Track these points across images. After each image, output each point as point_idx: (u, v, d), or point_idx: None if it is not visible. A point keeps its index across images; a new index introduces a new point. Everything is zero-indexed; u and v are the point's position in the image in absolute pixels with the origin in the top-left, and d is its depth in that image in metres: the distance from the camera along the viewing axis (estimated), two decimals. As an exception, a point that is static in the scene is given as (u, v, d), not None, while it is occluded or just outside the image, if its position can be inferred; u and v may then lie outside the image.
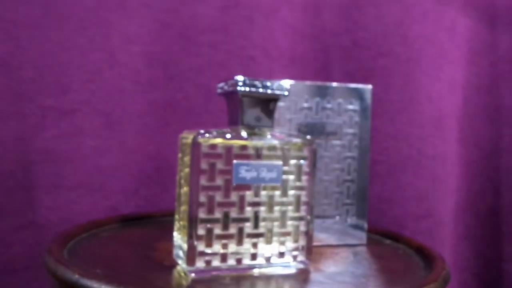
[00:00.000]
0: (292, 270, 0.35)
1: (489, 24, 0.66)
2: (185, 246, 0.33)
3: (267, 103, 0.35)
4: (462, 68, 0.65)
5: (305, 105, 0.45)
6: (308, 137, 0.36)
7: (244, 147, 0.33)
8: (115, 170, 0.55)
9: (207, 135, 0.33)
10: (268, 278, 0.34)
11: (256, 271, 0.34)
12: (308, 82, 0.45)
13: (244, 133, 0.34)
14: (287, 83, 0.35)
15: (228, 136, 0.33)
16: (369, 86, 0.46)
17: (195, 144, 0.32)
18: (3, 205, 0.50)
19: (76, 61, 0.53)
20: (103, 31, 0.54)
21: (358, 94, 0.46)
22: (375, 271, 0.38)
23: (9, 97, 0.50)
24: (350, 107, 0.46)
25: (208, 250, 0.33)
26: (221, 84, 0.36)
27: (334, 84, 0.46)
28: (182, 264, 0.33)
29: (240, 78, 0.33)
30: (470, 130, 0.66)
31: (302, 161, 0.35)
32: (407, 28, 0.61)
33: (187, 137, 0.34)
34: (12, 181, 0.50)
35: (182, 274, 0.33)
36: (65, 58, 0.52)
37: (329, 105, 0.45)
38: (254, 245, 0.34)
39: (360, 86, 0.46)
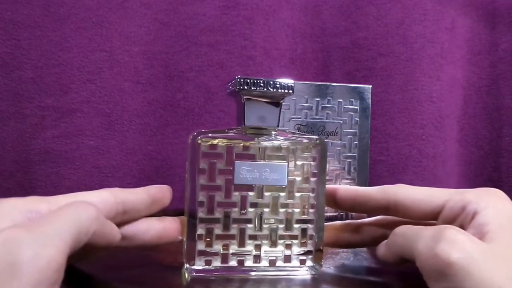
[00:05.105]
0: (302, 276, 0.34)
1: (489, 24, 0.66)
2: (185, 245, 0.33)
3: (272, 103, 0.34)
4: (462, 68, 0.65)
5: (305, 104, 0.45)
6: (317, 137, 0.35)
7: (247, 147, 0.33)
8: (115, 170, 0.55)
9: (209, 134, 0.33)
10: (268, 278, 0.34)
11: (257, 274, 0.34)
12: (308, 82, 0.45)
13: (247, 133, 0.34)
14: (291, 81, 0.35)
15: (229, 135, 0.33)
16: (369, 86, 0.46)
17: (195, 144, 0.32)
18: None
19: (76, 61, 0.53)
20: (103, 31, 0.54)
21: (358, 94, 0.46)
22: (375, 271, 0.38)
23: (9, 97, 0.50)
24: (350, 106, 0.46)
25: (208, 250, 0.33)
26: (228, 84, 0.35)
27: (334, 83, 0.46)
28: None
29: (242, 77, 0.33)
30: (470, 130, 0.66)
31: (311, 162, 0.34)
32: (407, 28, 0.61)
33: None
34: (12, 181, 0.50)
35: (183, 274, 0.33)
36: (65, 58, 0.52)
37: (329, 105, 0.45)
38: (257, 247, 0.34)
39: (360, 86, 0.46)
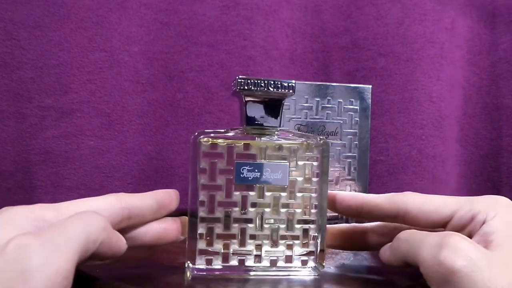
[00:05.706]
0: (304, 277, 0.34)
1: (489, 24, 0.66)
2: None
3: (273, 102, 0.34)
4: (462, 68, 0.65)
5: (305, 104, 0.45)
6: (320, 137, 0.35)
7: (248, 147, 0.33)
8: (115, 170, 0.55)
9: (211, 134, 0.33)
10: (267, 278, 0.34)
11: (258, 273, 0.34)
12: (308, 82, 0.45)
13: (248, 133, 0.34)
14: (292, 81, 0.34)
15: (231, 135, 0.33)
16: (369, 86, 0.46)
17: (196, 144, 0.32)
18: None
19: (76, 61, 0.53)
20: (103, 31, 0.54)
21: (358, 94, 0.46)
22: (375, 271, 0.38)
23: (9, 97, 0.50)
24: (350, 106, 0.46)
25: (209, 249, 0.33)
26: (232, 84, 0.35)
27: (334, 83, 0.46)
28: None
29: (243, 77, 0.33)
30: (470, 130, 0.66)
31: (312, 162, 0.34)
32: (407, 28, 0.61)
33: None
34: (12, 182, 0.50)
35: (186, 272, 0.33)
36: (65, 58, 0.52)
37: (329, 105, 0.45)
38: (258, 247, 0.34)
39: (360, 86, 0.46)
